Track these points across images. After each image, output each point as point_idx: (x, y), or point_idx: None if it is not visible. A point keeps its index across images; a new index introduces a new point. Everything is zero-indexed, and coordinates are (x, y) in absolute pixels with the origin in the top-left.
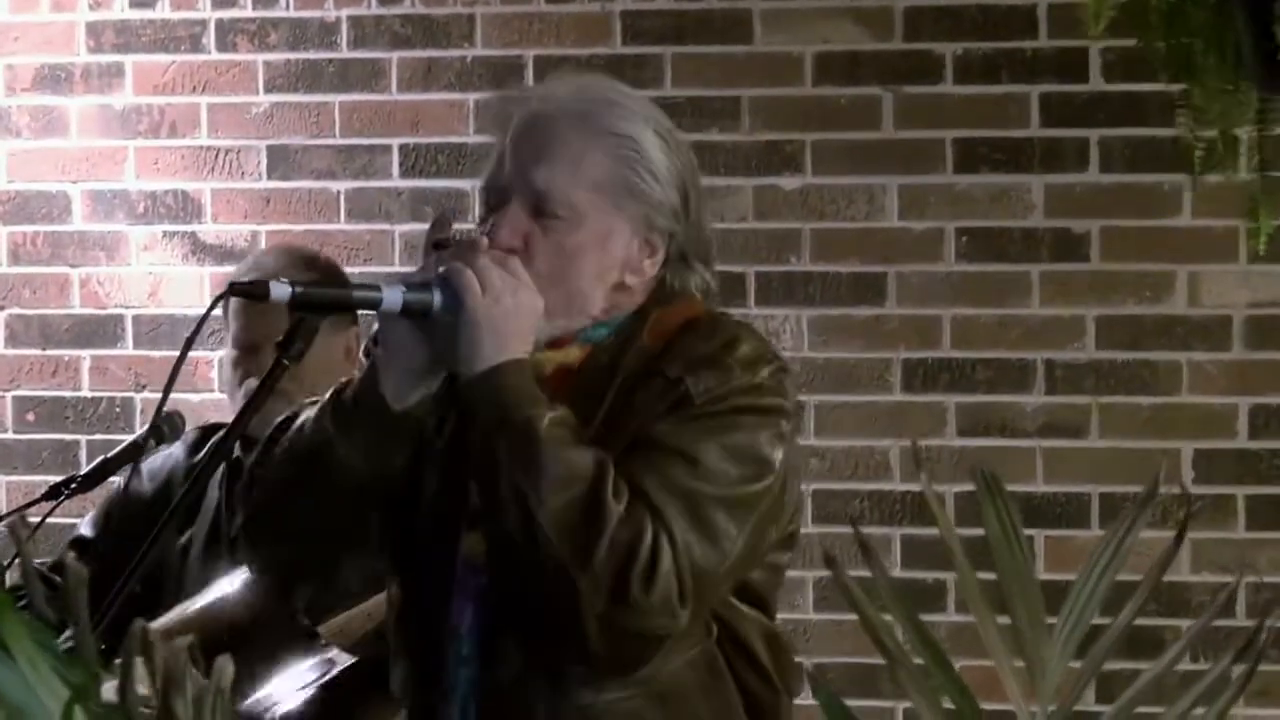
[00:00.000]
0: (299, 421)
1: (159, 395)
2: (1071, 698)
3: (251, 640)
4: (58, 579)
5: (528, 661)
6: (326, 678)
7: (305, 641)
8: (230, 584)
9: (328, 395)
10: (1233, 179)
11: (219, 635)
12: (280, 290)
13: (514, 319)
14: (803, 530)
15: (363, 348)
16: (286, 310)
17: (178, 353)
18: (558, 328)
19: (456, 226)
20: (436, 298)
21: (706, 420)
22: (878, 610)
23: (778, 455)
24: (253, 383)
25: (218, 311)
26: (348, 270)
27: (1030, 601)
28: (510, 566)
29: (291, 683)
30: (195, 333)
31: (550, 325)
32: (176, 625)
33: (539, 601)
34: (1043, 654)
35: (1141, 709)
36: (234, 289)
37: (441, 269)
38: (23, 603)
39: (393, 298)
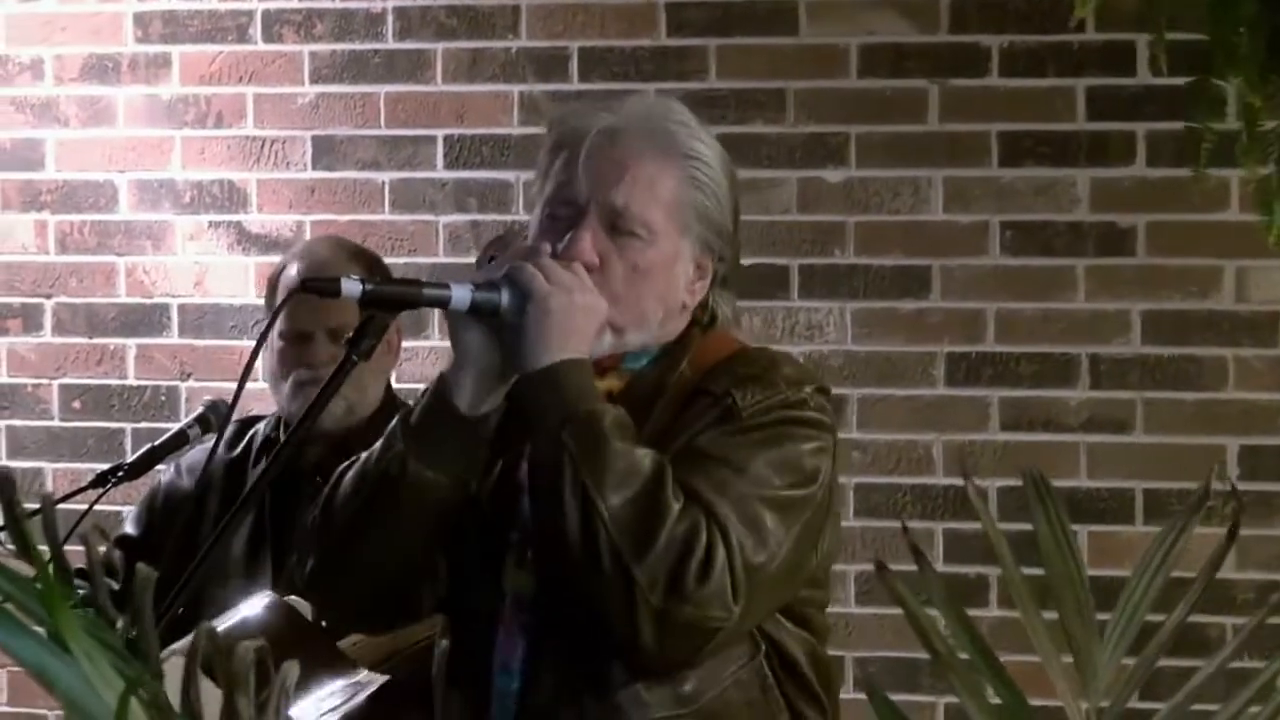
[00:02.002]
0: (360, 461)
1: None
2: (1125, 695)
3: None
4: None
5: (575, 687)
6: (361, 695)
7: (331, 664)
8: (253, 607)
9: (393, 423)
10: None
11: None
12: (351, 287)
13: (578, 314)
14: (845, 524)
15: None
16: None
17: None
18: (619, 343)
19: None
20: (504, 296)
21: (753, 432)
22: (922, 606)
23: (823, 467)
24: (303, 372)
25: (259, 302)
26: (392, 261)
27: (1080, 601)
28: (562, 589)
29: (319, 704)
30: (268, 329)
31: (614, 340)
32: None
33: (588, 614)
34: (1093, 653)
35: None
36: (306, 285)
37: (507, 267)
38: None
39: (461, 295)
